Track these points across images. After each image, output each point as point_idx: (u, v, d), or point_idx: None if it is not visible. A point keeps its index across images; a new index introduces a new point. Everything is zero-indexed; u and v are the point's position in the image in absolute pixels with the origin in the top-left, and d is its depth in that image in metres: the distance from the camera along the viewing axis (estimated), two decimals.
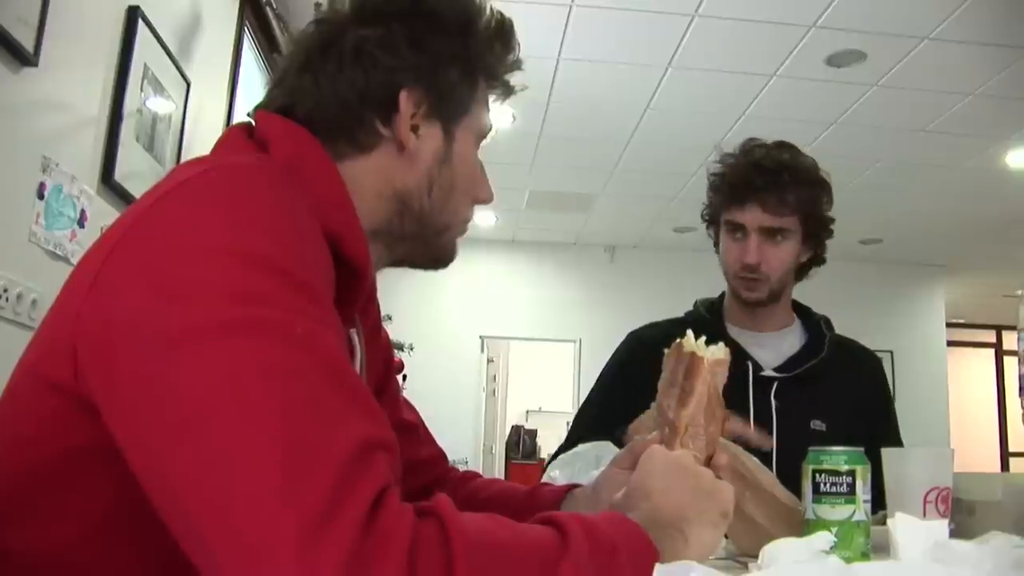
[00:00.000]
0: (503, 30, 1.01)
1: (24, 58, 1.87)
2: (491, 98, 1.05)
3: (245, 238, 0.71)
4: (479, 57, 0.99)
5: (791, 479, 1.13)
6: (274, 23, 3.94)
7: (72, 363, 0.72)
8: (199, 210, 0.74)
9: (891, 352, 7.94)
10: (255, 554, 0.60)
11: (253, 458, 0.62)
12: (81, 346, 0.72)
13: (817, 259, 1.88)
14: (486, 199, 1.06)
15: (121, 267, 0.72)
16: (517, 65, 1.04)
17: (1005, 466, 10.35)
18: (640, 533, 0.77)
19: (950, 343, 9.00)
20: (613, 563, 0.71)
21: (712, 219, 1.89)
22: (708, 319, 1.88)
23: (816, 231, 1.83)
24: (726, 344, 1.03)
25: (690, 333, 1.02)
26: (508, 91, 1.05)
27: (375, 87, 0.93)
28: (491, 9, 1.01)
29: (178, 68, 2.84)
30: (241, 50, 3.66)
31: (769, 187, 1.75)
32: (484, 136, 1.05)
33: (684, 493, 0.87)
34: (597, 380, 1.95)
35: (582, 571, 0.68)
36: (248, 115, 0.98)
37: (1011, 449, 10.67)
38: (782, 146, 1.82)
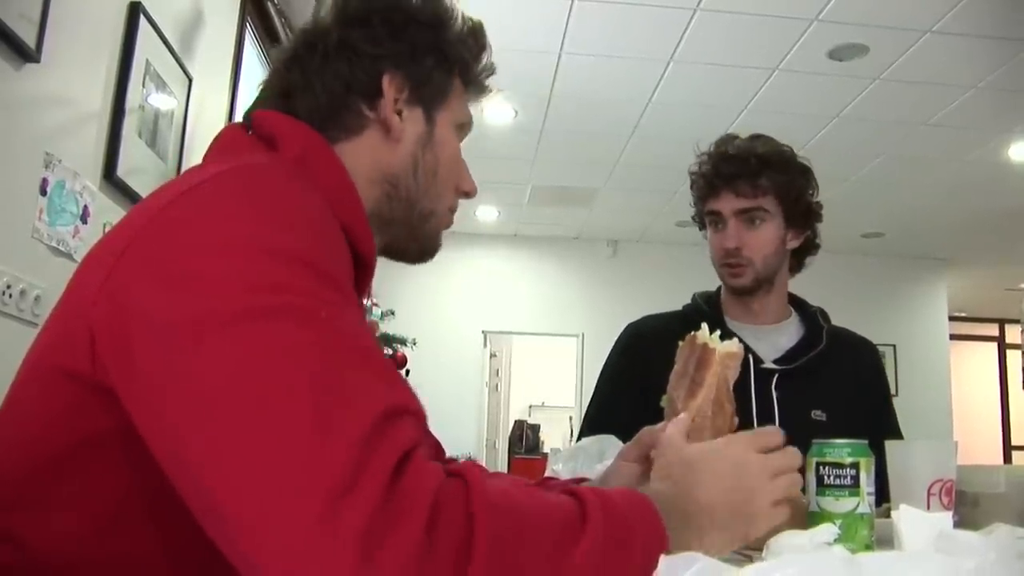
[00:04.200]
0: (473, 29, 1.08)
1: (26, 54, 1.87)
2: (468, 98, 1.11)
3: (268, 233, 0.73)
4: (452, 49, 1.05)
5: None
6: (276, 18, 3.94)
7: (89, 352, 0.73)
8: (221, 207, 0.75)
9: (894, 346, 7.94)
10: (281, 526, 0.61)
11: (279, 435, 0.63)
12: (100, 335, 0.73)
13: (809, 246, 1.90)
14: (469, 191, 1.11)
15: (141, 261, 0.74)
16: (490, 69, 1.11)
17: (1008, 460, 10.34)
18: (656, 520, 0.77)
19: (953, 337, 9.00)
20: (626, 548, 0.72)
21: (697, 216, 1.93)
22: (707, 312, 1.89)
23: (799, 214, 1.84)
24: (727, 336, 1.03)
25: (705, 326, 1.02)
26: (482, 91, 1.12)
27: (359, 74, 0.99)
28: (462, 14, 1.08)
29: (180, 64, 2.84)
30: (243, 46, 3.66)
31: (739, 174, 1.79)
32: (465, 129, 1.11)
33: (726, 497, 0.87)
34: (599, 378, 1.96)
35: (597, 551, 0.69)
36: (245, 116, 1.02)
37: (1014, 443, 10.67)
38: (755, 137, 1.86)
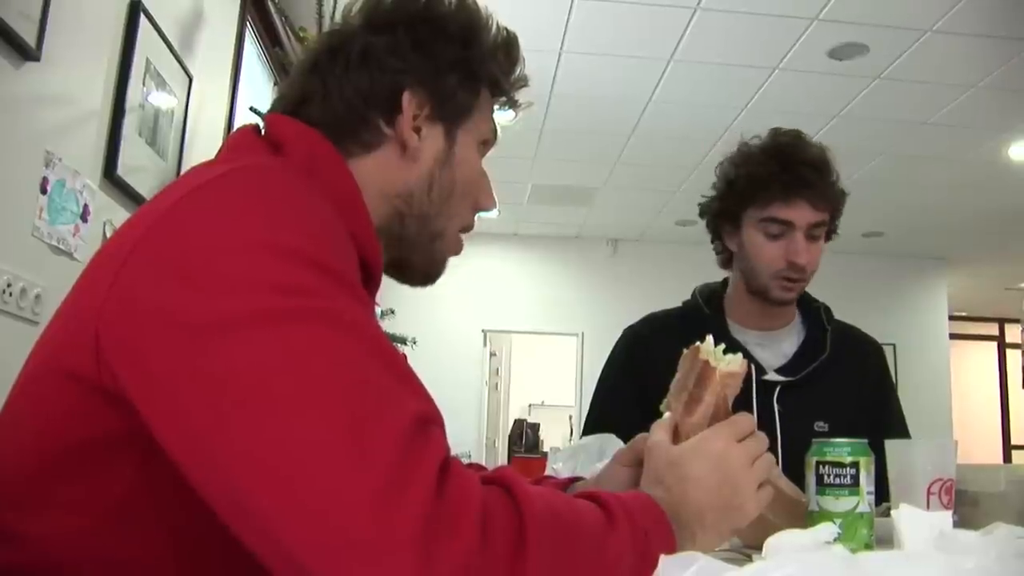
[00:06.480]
0: (506, 43, 1.05)
1: (26, 53, 1.87)
2: (495, 108, 1.08)
3: (281, 233, 0.73)
4: (481, 65, 1.02)
5: (796, 482, 1.12)
6: (276, 17, 3.94)
7: (94, 355, 0.72)
8: (231, 207, 0.75)
9: (894, 345, 7.93)
10: (329, 520, 0.61)
11: (318, 432, 0.64)
12: (105, 338, 0.72)
13: None
14: (488, 206, 1.09)
15: (150, 262, 0.73)
16: (523, 82, 1.08)
17: (1008, 459, 10.35)
18: (666, 523, 0.81)
19: (953, 336, 9.00)
20: (645, 548, 0.75)
21: (726, 215, 1.79)
22: (707, 315, 1.82)
23: (834, 226, 1.78)
24: (728, 344, 1.02)
25: (710, 339, 1.01)
26: (513, 105, 1.09)
27: (379, 88, 0.97)
28: (497, 25, 1.04)
29: (180, 63, 2.84)
30: (243, 44, 3.66)
31: (815, 184, 1.68)
32: (489, 144, 1.08)
33: (715, 496, 0.89)
34: (600, 377, 1.92)
35: (624, 552, 0.73)
36: (258, 115, 1.00)
37: (1014, 442, 10.68)
38: (804, 137, 1.76)
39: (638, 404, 1.52)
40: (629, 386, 1.79)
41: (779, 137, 1.75)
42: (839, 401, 1.75)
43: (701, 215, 1.87)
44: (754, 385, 1.71)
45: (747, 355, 1.71)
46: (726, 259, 1.86)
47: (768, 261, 1.71)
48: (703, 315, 1.83)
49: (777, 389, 1.73)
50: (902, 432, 1.79)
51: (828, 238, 1.79)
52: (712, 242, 1.87)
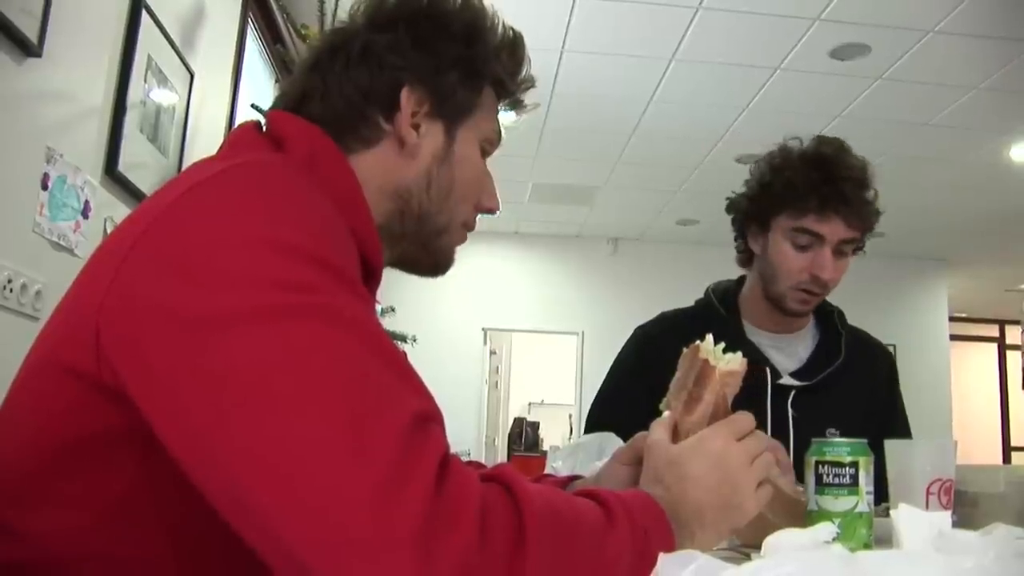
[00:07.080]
0: (511, 43, 1.05)
1: (28, 49, 1.87)
2: (500, 108, 1.08)
3: (282, 229, 0.73)
4: (485, 64, 1.02)
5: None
6: (277, 14, 3.94)
7: (94, 351, 0.73)
8: (232, 203, 0.75)
9: (894, 346, 7.90)
10: (328, 517, 0.61)
11: (318, 429, 0.64)
12: (106, 334, 0.72)
13: None
14: (490, 207, 1.08)
15: (150, 258, 0.73)
16: (528, 82, 1.08)
17: (1007, 460, 10.35)
18: (665, 521, 0.81)
19: (953, 337, 9.00)
20: (644, 546, 0.75)
21: (755, 216, 1.76)
22: (723, 316, 1.79)
23: (863, 242, 1.74)
24: (743, 347, 1.01)
25: (709, 337, 1.00)
26: (518, 106, 1.10)
27: (379, 85, 0.97)
28: (503, 24, 1.04)
29: (182, 59, 2.84)
30: (244, 41, 3.67)
31: (854, 200, 1.64)
32: (492, 144, 1.07)
33: (714, 495, 0.88)
34: (607, 375, 1.90)
35: (623, 551, 0.73)
36: (260, 112, 1.00)
37: (1013, 443, 10.68)
38: (847, 148, 1.70)
39: (645, 404, 1.50)
40: (636, 386, 1.74)
41: (822, 146, 1.69)
42: (851, 407, 1.73)
43: (728, 211, 1.83)
44: (768, 389, 1.69)
45: (762, 358, 1.71)
46: (746, 259, 1.83)
47: (792, 271, 1.69)
48: (718, 315, 1.80)
49: (792, 394, 1.71)
50: (904, 435, 1.78)
51: (854, 253, 1.75)
52: (735, 240, 1.84)
